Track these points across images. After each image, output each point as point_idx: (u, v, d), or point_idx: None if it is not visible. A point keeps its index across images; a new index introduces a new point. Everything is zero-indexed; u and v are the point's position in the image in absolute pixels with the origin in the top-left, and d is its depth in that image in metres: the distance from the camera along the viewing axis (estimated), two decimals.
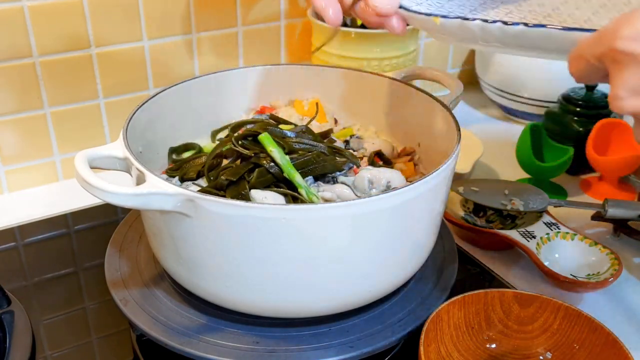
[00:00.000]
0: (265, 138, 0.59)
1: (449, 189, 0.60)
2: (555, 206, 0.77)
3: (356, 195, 0.59)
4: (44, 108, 0.84)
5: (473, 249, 0.76)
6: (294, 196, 0.57)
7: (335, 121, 0.75)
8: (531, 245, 0.71)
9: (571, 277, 0.68)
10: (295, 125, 0.67)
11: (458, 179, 0.83)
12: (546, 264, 0.69)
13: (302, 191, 0.57)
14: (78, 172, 0.51)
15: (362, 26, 0.91)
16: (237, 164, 0.60)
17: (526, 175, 0.88)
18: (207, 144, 0.71)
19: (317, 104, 0.74)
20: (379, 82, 0.72)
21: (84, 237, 0.78)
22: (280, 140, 0.60)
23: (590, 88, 0.91)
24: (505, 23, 0.52)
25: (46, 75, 0.82)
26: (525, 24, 0.51)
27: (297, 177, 0.57)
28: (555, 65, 1.01)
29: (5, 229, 0.78)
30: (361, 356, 0.55)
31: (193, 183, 0.61)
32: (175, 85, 0.68)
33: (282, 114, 0.73)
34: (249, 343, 0.55)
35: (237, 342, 0.55)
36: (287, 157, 0.58)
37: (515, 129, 1.03)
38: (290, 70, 0.75)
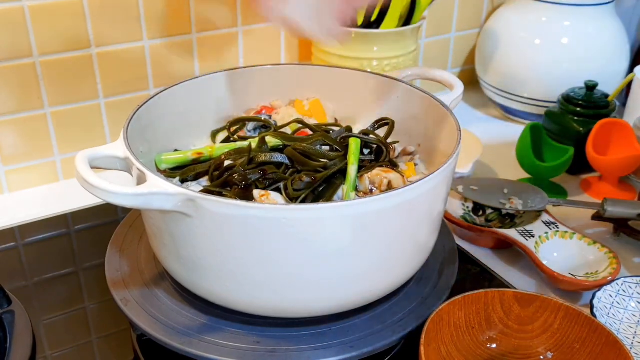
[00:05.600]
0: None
1: (449, 189, 0.60)
2: (554, 205, 0.77)
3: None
4: (44, 108, 0.84)
5: (473, 248, 0.76)
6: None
7: (335, 121, 0.75)
8: (530, 244, 0.71)
9: (570, 276, 0.68)
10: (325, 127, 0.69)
11: (458, 178, 0.83)
12: (545, 263, 0.69)
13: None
14: (78, 172, 0.51)
15: (362, 26, 0.91)
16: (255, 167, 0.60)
17: (526, 175, 0.88)
18: (207, 145, 0.71)
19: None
20: (379, 82, 0.72)
21: (84, 237, 0.78)
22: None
23: (590, 88, 0.91)
24: None
25: (46, 75, 0.82)
26: None
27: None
28: (555, 65, 1.01)
29: (5, 229, 0.78)
30: (361, 356, 0.55)
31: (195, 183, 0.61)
32: (175, 85, 0.68)
33: (282, 114, 0.73)
34: (250, 343, 0.55)
35: (237, 342, 0.55)
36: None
37: (515, 129, 1.03)
38: (290, 70, 0.75)
